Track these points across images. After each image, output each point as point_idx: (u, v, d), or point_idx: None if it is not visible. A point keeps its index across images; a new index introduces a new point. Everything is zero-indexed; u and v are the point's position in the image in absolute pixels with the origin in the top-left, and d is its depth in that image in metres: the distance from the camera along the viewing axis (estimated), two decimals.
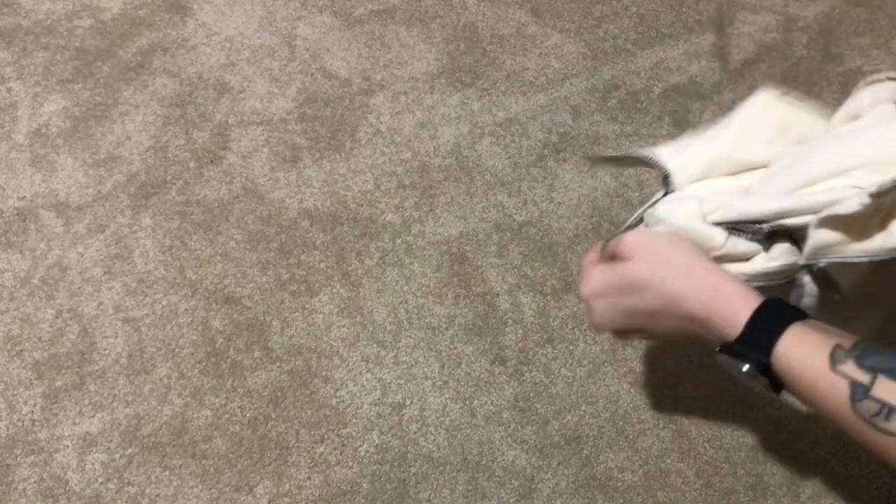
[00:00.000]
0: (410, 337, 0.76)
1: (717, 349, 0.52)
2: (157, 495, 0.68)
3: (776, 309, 0.50)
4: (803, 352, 0.48)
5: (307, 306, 0.78)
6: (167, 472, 0.69)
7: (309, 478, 0.69)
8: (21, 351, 0.75)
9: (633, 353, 0.76)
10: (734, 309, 0.51)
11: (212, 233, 0.82)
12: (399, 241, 0.82)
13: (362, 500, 0.68)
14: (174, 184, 0.85)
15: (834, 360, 0.46)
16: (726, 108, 0.93)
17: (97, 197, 0.84)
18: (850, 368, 0.46)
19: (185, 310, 0.77)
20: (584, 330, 0.78)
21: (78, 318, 0.76)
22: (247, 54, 0.95)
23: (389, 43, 0.96)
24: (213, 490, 0.68)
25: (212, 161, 0.87)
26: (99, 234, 0.81)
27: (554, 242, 0.83)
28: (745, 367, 0.50)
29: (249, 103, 0.91)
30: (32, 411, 0.72)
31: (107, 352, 0.75)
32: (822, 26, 0.99)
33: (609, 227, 0.84)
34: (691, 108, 0.93)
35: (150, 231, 0.82)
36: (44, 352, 0.75)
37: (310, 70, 0.94)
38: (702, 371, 0.76)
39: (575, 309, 0.79)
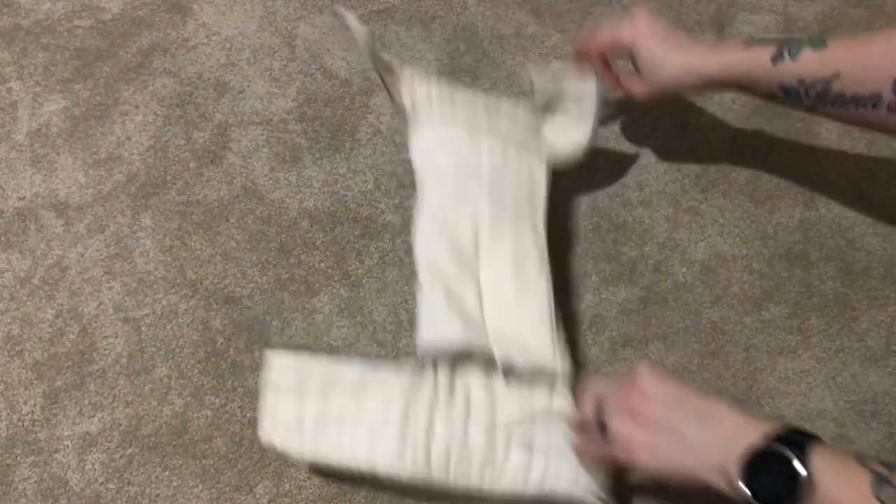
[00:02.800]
0: (410, 337, 0.76)
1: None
2: (157, 495, 0.68)
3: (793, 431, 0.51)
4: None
5: (307, 306, 0.78)
6: (167, 472, 0.69)
7: (309, 478, 0.69)
8: (21, 351, 0.75)
9: (633, 353, 0.76)
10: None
11: (212, 233, 0.82)
12: (399, 241, 0.82)
13: (362, 500, 0.68)
14: (174, 184, 0.85)
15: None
16: (726, 108, 0.93)
17: (97, 197, 0.84)
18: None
19: (185, 310, 0.77)
20: (584, 330, 0.78)
21: (78, 318, 0.76)
22: (247, 54, 0.95)
23: (389, 43, 0.97)
24: (213, 490, 0.68)
25: (212, 161, 0.87)
26: (99, 234, 0.82)
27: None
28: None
29: (249, 103, 0.91)
30: (32, 411, 0.72)
31: (107, 352, 0.75)
32: (822, 26, 0.99)
33: (609, 226, 0.84)
34: (691, 108, 0.93)
35: (150, 231, 0.82)
36: (44, 352, 0.75)
37: (310, 70, 0.94)
38: (701, 371, 0.76)
39: (574, 309, 0.79)
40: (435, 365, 0.66)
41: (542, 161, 0.76)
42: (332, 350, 0.75)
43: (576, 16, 1.00)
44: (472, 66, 0.95)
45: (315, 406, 0.63)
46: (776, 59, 0.64)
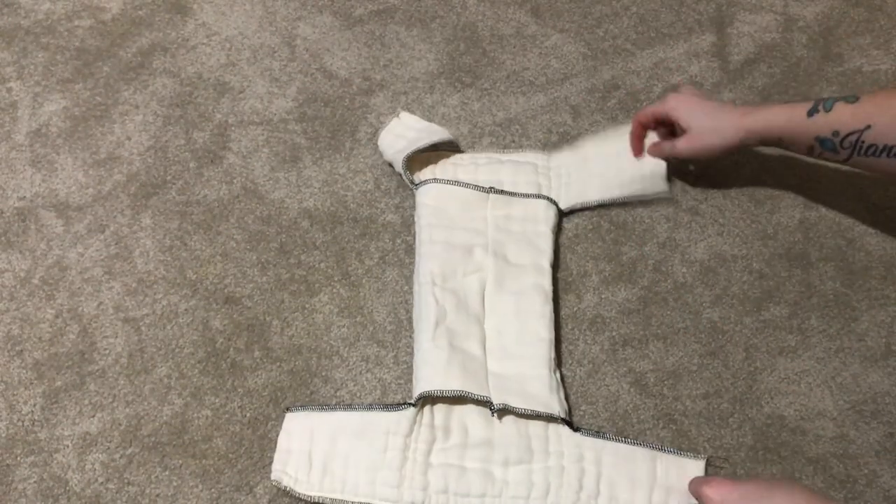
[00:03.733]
0: (410, 337, 0.76)
1: None
2: (158, 495, 0.68)
3: None
4: None
5: (307, 306, 0.78)
6: (167, 472, 0.69)
7: None
8: (21, 351, 0.75)
9: (633, 353, 0.76)
10: None
11: (212, 233, 0.82)
12: (399, 241, 0.82)
13: None
14: (174, 184, 0.85)
15: None
16: None
17: (97, 197, 0.84)
18: None
19: (186, 310, 0.77)
20: (584, 330, 0.78)
21: (78, 318, 0.76)
22: (247, 54, 0.95)
23: (389, 43, 0.97)
24: (213, 490, 0.68)
25: (212, 161, 0.87)
26: (99, 234, 0.82)
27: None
28: None
29: (249, 103, 0.91)
30: (32, 411, 0.72)
31: (107, 352, 0.75)
32: (822, 26, 0.99)
33: (609, 226, 0.84)
34: None
35: (151, 231, 0.82)
36: (44, 352, 0.75)
37: (310, 70, 0.94)
38: (702, 371, 0.76)
39: (574, 309, 0.79)
40: (432, 403, 0.70)
41: (548, 204, 0.82)
42: (332, 350, 0.75)
43: (576, 16, 1.00)
44: (472, 66, 0.95)
45: (321, 448, 0.69)
46: (812, 112, 0.69)
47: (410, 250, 0.82)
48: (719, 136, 0.75)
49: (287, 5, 0.99)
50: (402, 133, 0.86)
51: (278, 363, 0.75)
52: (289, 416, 0.71)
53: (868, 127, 0.65)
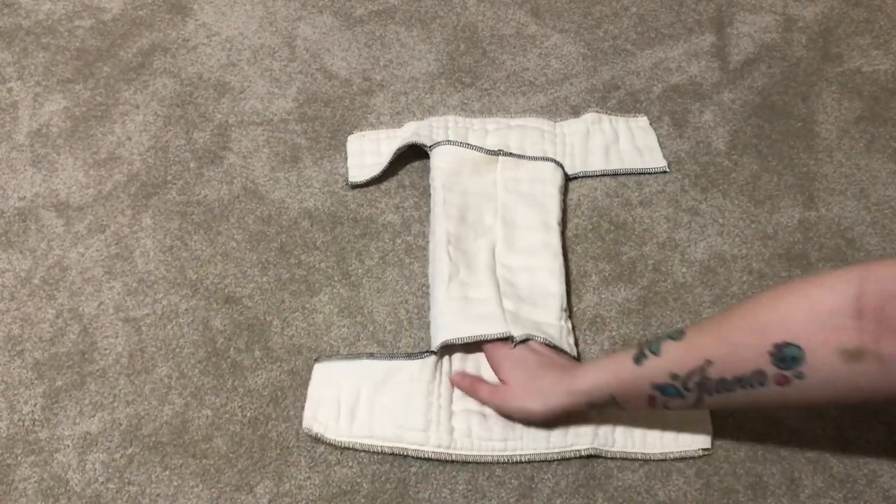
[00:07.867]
0: (410, 337, 0.76)
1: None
2: (158, 495, 0.68)
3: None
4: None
5: (307, 306, 0.78)
6: (167, 472, 0.69)
7: (309, 477, 0.69)
8: (21, 351, 0.75)
9: None
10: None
11: (212, 233, 0.82)
12: (399, 241, 0.82)
13: (362, 500, 0.68)
14: (174, 184, 0.85)
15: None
16: (726, 107, 0.93)
17: (98, 197, 0.84)
18: None
19: (186, 310, 0.77)
20: (584, 330, 0.78)
21: (78, 317, 0.76)
22: (247, 54, 0.95)
23: (389, 43, 0.97)
24: (213, 490, 0.68)
25: (212, 161, 0.87)
26: (99, 234, 0.82)
27: None
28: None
29: (250, 103, 0.91)
30: (33, 411, 0.72)
31: (107, 352, 0.75)
32: (822, 26, 0.99)
33: (609, 226, 0.84)
34: (691, 108, 0.93)
35: (151, 231, 0.82)
36: (44, 352, 0.75)
37: (310, 70, 0.94)
38: None
39: (574, 309, 0.79)
40: (449, 354, 0.73)
41: (555, 167, 0.85)
42: (332, 350, 0.76)
43: (576, 16, 1.00)
44: (472, 66, 0.95)
45: (348, 396, 0.72)
46: (639, 358, 0.59)
47: (410, 250, 0.82)
48: (542, 398, 0.66)
49: (287, 5, 0.99)
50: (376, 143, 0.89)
51: (278, 363, 0.75)
52: (317, 367, 0.73)
53: (708, 362, 0.55)
